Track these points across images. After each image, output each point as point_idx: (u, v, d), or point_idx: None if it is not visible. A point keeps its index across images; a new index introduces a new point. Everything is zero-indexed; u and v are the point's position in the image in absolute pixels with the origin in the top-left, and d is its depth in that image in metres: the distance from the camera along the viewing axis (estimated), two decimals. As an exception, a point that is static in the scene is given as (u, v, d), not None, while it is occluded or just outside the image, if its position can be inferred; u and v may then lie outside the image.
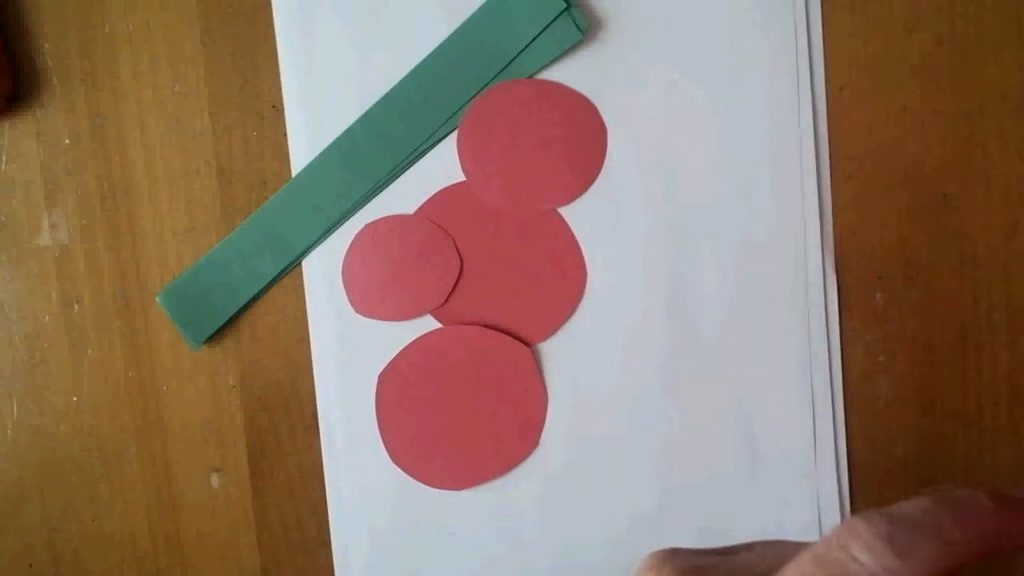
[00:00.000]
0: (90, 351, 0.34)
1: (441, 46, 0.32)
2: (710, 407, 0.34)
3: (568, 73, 0.33)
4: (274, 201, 0.33)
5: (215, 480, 0.34)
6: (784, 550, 0.17)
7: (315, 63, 0.33)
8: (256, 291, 0.33)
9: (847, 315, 0.34)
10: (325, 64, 0.33)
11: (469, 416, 0.34)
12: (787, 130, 0.33)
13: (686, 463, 0.34)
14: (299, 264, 0.34)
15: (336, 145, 0.33)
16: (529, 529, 0.34)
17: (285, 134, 0.33)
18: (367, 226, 0.33)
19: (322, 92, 0.33)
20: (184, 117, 0.33)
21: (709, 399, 0.34)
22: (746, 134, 0.33)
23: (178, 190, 0.34)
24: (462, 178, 0.33)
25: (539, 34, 0.32)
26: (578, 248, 0.33)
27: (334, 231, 0.33)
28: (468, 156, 0.33)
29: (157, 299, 0.33)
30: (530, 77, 0.33)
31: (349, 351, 0.33)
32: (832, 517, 0.34)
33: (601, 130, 0.33)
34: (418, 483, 0.34)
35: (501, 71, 0.33)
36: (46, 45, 0.33)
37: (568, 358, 0.34)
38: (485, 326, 0.33)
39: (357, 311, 0.33)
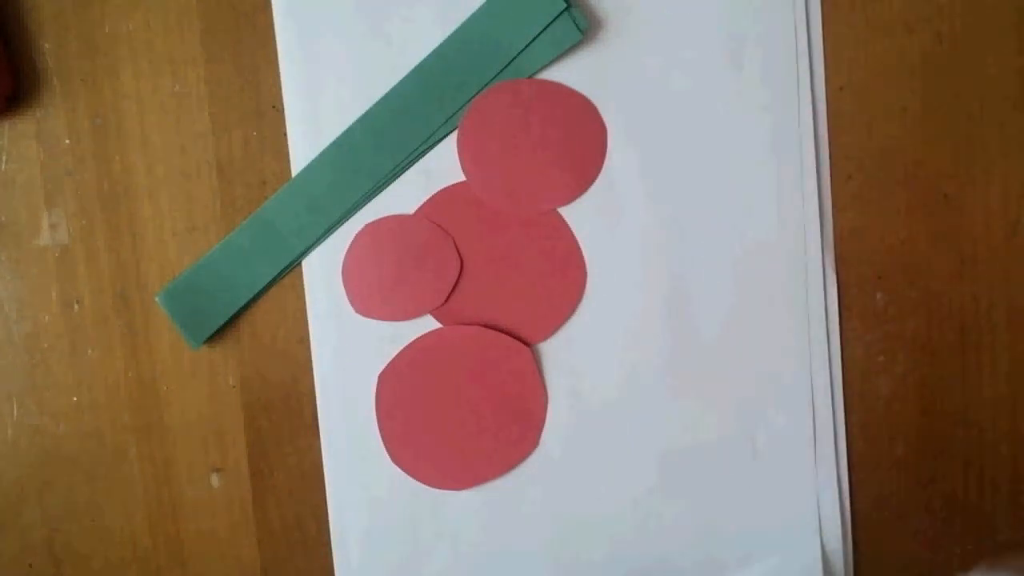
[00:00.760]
0: (90, 351, 0.34)
1: (441, 46, 0.32)
2: (710, 407, 0.34)
3: (568, 73, 0.33)
4: (274, 201, 0.33)
5: (215, 480, 0.34)
6: None
7: (315, 63, 0.33)
8: (256, 291, 0.33)
9: (847, 315, 0.34)
10: (325, 64, 0.33)
11: (469, 416, 0.34)
12: (787, 130, 0.33)
13: (686, 463, 0.34)
14: (299, 264, 0.34)
15: (336, 145, 0.33)
16: (529, 529, 0.34)
17: (285, 134, 0.33)
18: (367, 226, 0.33)
19: (322, 92, 0.33)
20: (184, 117, 0.33)
21: (709, 399, 0.34)
22: (746, 134, 0.33)
23: (178, 190, 0.34)
24: (462, 178, 0.33)
25: (539, 34, 0.32)
26: (578, 248, 0.33)
27: (334, 231, 0.33)
28: (468, 156, 0.33)
29: (157, 299, 0.33)
30: (530, 77, 0.33)
31: (349, 351, 0.34)
32: (832, 517, 0.34)
33: (601, 130, 0.33)
34: (418, 483, 0.34)
35: (501, 71, 0.33)
36: (46, 45, 0.33)
37: (568, 358, 0.34)
38: (485, 326, 0.33)
39: (357, 311, 0.33)
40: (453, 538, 0.34)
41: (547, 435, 0.34)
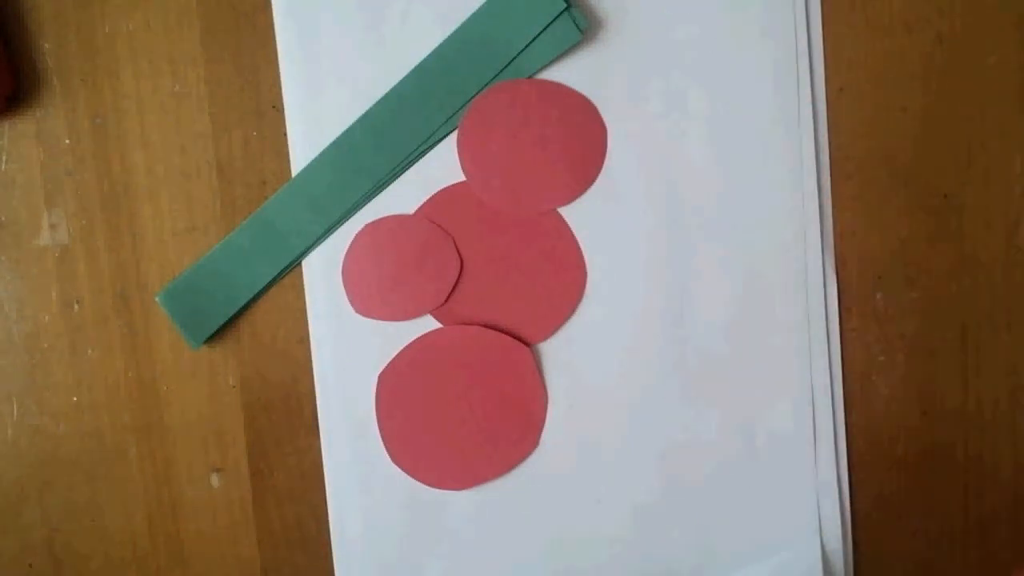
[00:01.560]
0: (90, 351, 0.34)
1: (441, 46, 0.32)
2: (710, 406, 0.34)
3: (568, 73, 0.33)
4: (274, 201, 0.33)
5: (215, 480, 0.34)
6: None
7: (315, 63, 0.33)
8: (256, 291, 0.33)
9: (847, 315, 0.34)
10: (325, 64, 0.33)
11: (469, 416, 0.34)
12: (787, 130, 0.33)
13: (686, 463, 0.34)
14: (299, 264, 0.34)
15: (336, 145, 0.33)
16: (529, 529, 0.34)
17: (285, 134, 0.33)
18: (367, 226, 0.33)
19: (322, 92, 0.33)
20: (184, 117, 0.33)
21: (709, 398, 0.34)
22: (746, 134, 0.33)
23: (178, 190, 0.34)
24: (462, 178, 0.33)
25: (539, 34, 0.32)
26: (578, 248, 0.33)
27: (334, 231, 0.33)
28: (468, 156, 0.33)
29: (157, 299, 0.33)
30: (530, 77, 0.33)
31: (349, 351, 0.33)
32: (832, 517, 0.34)
33: (601, 130, 0.33)
34: (418, 483, 0.34)
35: (501, 71, 0.33)
36: (46, 45, 0.33)
37: (568, 358, 0.34)
38: (485, 326, 0.33)
39: (357, 311, 0.33)
40: (453, 538, 0.34)
41: (547, 435, 0.34)
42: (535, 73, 0.33)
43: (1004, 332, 0.34)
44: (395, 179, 0.33)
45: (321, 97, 0.33)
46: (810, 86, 0.33)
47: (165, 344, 0.34)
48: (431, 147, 0.33)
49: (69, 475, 0.34)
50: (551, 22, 0.32)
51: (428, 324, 0.34)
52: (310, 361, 0.34)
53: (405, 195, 0.33)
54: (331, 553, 0.34)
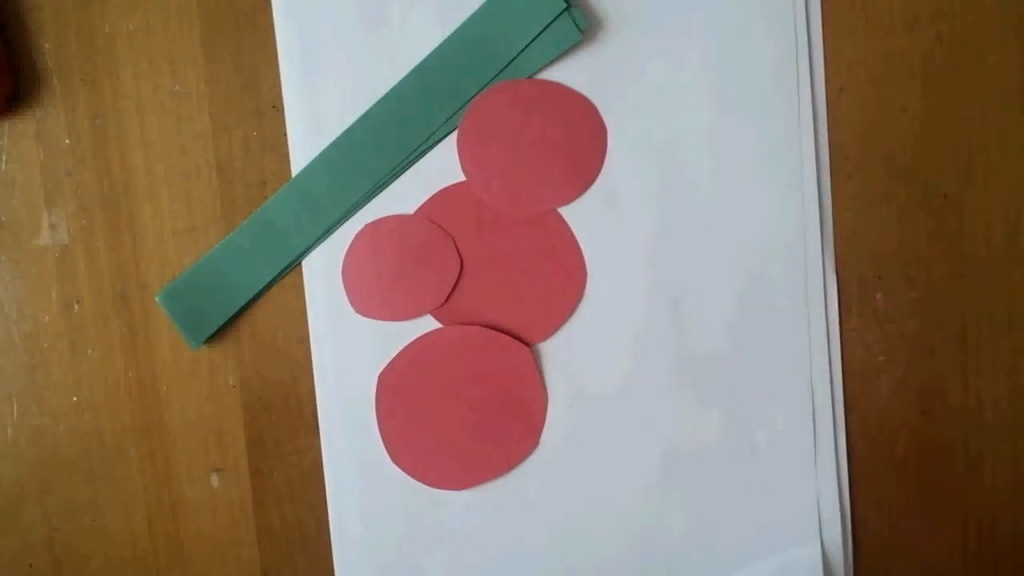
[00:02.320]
0: (90, 351, 0.34)
1: (441, 46, 0.32)
2: (710, 406, 0.34)
3: (568, 73, 0.33)
4: (274, 201, 0.33)
5: (215, 480, 0.34)
6: None
7: (315, 63, 0.33)
8: (256, 291, 0.33)
9: (847, 315, 0.34)
10: (325, 64, 0.33)
11: (469, 416, 0.34)
12: (787, 130, 0.33)
13: (686, 463, 0.34)
14: (299, 264, 0.34)
15: (336, 145, 0.33)
16: (529, 529, 0.34)
17: (285, 134, 0.33)
18: (367, 226, 0.33)
19: (322, 92, 0.33)
20: (184, 117, 0.33)
21: (709, 398, 0.34)
22: (746, 134, 0.33)
23: (178, 190, 0.34)
24: (462, 178, 0.33)
25: (539, 34, 0.32)
26: (578, 248, 0.33)
27: (334, 231, 0.33)
28: (468, 156, 0.33)
29: (157, 299, 0.33)
30: (530, 77, 0.33)
31: (349, 351, 0.34)
32: (832, 517, 0.34)
33: (601, 130, 0.33)
34: (418, 483, 0.34)
35: (501, 71, 0.33)
36: (46, 45, 0.33)
37: (568, 358, 0.34)
38: (485, 326, 0.33)
39: (357, 311, 0.33)
40: (453, 538, 0.34)
41: (547, 435, 0.34)
42: (535, 73, 0.33)
43: (1004, 332, 0.34)
44: (395, 179, 0.33)
45: (321, 97, 0.33)
46: (810, 86, 0.33)
47: (165, 344, 0.34)
48: (431, 147, 0.33)
49: (69, 475, 0.34)
50: (551, 22, 0.32)
51: (428, 324, 0.34)
52: (310, 361, 0.34)
53: (405, 195, 0.33)
54: (331, 553, 0.34)
